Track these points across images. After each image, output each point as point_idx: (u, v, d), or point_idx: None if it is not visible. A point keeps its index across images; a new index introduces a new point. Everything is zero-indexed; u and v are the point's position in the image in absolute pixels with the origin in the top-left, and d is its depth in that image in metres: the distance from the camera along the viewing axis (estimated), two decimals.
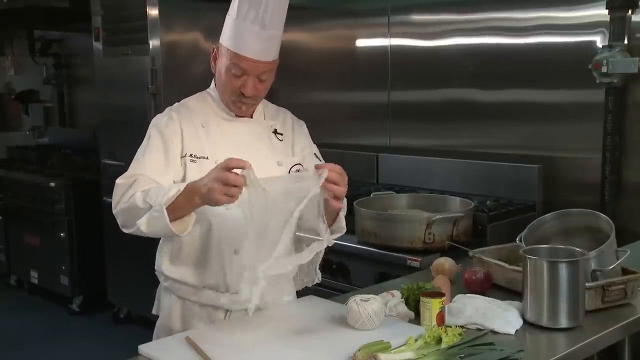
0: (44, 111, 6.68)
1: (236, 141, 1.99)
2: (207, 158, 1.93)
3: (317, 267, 1.92)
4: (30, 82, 6.60)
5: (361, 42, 4.21)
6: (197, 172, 1.88)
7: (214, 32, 4.44)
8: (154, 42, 4.16)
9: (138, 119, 4.15)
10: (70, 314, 5.02)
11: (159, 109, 3.98)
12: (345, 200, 1.95)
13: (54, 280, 5.10)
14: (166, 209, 1.75)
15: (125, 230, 1.91)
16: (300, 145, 2.11)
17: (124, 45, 4.39)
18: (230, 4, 1.94)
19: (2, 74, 6.64)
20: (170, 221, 1.75)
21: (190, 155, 1.93)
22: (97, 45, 4.61)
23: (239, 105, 1.97)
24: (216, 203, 1.70)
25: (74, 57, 6.34)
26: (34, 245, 5.31)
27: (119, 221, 1.91)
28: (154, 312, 2.12)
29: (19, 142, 6.55)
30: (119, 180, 1.91)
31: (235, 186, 1.66)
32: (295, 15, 4.36)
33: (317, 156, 2.13)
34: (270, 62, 1.92)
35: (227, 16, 1.95)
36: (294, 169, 2.04)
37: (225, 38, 1.93)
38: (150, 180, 1.87)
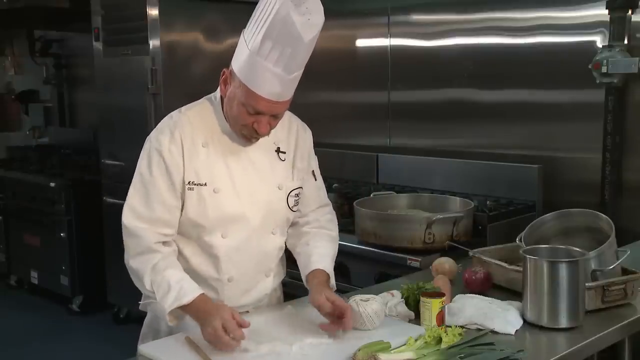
0: (44, 111, 6.67)
1: (237, 167, 1.90)
2: (205, 185, 1.86)
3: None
4: (30, 82, 6.60)
5: (361, 42, 4.21)
6: (195, 200, 1.85)
7: (214, 32, 4.46)
8: (154, 42, 4.16)
9: (138, 119, 4.15)
10: (70, 314, 5.02)
11: (159, 109, 4.02)
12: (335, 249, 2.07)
13: (54, 280, 5.10)
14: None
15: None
16: (301, 165, 2.02)
17: (124, 45, 4.39)
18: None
19: (2, 74, 6.63)
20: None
21: (189, 182, 1.85)
22: (97, 45, 4.61)
23: (248, 138, 1.87)
24: (202, 335, 1.74)
25: (74, 57, 6.34)
26: (34, 245, 5.31)
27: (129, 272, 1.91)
28: (140, 307, 2.05)
29: (19, 142, 6.54)
30: (128, 222, 1.85)
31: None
32: None
33: (314, 175, 2.07)
34: (288, 101, 1.81)
35: (242, 40, 1.77)
36: (293, 193, 1.98)
37: (241, 70, 1.76)
38: (159, 233, 1.85)
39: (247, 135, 1.85)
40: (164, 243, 1.87)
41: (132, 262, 1.86)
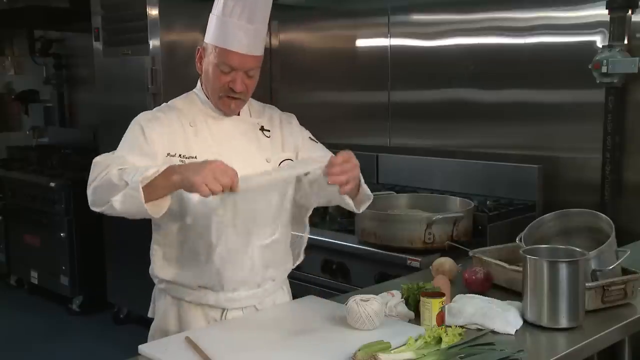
0: (44, 111, 6.67)
1: (224, 140, 1.99)
2: (195, 157, 1.92)
3: (302, 250, 2.08)
4: (30, 82, 6.60)
5: (361, 42, 4.20)
6: None
7: None
8: (154, 42, 4.16)
9: None
10: (70, 314, 5.02)
11: None
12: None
13: (54, 280, 5.10)
14: (142, 188, 1.68)
15: (94, 209, 1.84)
16: (293, 139, 2.10)
17: (124, 45, 4.39)
18: (213, 4, 1.96)
19: (2, 74, 6.63)
20: (146, 201, 1.70)
21: (180, 155, 1.92)
22: (97, 45, 4.61)
23: (227, 102, 1.97)
24: (192, 187, 1.67)
25: (74, 57, 6.34)
26: (34, 245, 5.31)
27: (90, 199, 1.84)
28: (149, 315, 2.10)
29: (19, 142, 6.55)
30: (97, 159, 1.87)
31: (221, 185, 1.66)
32: (296, 15, 4.41)
33: (312, 139, 2.15)
34: (257, 57, 1.95)
35: (210, 15, 1.98)
36: (284, 164, 2.04)
37: (212, 36, 1.95)
38: (130, 163, 1.83)
39: (224, 97, 1.95)
40: None
41: (96, 182, 1.80)
